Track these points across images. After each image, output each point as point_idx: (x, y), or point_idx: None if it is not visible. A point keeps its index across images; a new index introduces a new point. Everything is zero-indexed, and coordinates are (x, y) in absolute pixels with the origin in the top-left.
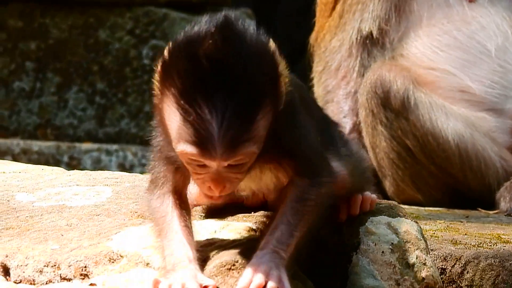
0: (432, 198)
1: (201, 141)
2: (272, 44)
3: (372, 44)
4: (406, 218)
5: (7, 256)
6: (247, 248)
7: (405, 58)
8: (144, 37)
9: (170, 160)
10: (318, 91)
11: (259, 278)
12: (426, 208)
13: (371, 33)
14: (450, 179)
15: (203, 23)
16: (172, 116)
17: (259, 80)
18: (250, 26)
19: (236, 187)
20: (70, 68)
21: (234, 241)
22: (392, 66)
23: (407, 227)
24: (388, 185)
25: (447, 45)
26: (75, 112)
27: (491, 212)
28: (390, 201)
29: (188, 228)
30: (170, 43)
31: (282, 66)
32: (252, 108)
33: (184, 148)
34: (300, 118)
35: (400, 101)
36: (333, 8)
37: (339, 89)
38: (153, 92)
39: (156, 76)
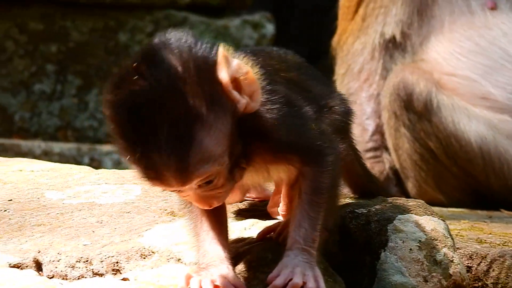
0: (454, 199)
1: (151, 176)
2: (217, 52)
3: (394, 48)
4: (433, 217)
5: (39, 252)
6: (277, 244)
7: (426, 63)
8: None
9: None
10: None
11: (298, 278)
12: (449, 209)
13: (393, 37)
14: (473, 180)
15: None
16: (126, 157)
17: (186, 103)
18: (183, 45)
19: (225, 198)
20: (90, 71)
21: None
22: (414, 68)
23: (434, 225)
24: (410, 186)
25: (468, 51)
26: (95, 114)
27: None
28: (417, 200)
29: (222, 225)
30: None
31: (237, 67)
32: (185, 133)
33: (145, 181)
34: (290, 108)
35: (423, 103)
36: (356, 11)
37: (361, 92)
38: None
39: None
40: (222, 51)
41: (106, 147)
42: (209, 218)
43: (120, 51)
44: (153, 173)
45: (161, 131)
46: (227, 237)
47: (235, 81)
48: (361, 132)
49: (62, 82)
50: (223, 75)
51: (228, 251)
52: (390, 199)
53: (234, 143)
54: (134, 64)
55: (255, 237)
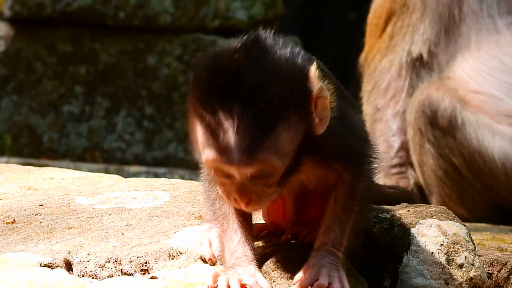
0: (477, 214)
1: (221, 147)
2: (311, 68)
3: (421, 66)
4: (455, 222)
5: (70, 253)
6: (302, 245)
7: (452, 81)
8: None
9: None
10: (367, 110)
11: (324, 279)
12: (472, 224)
13: (421, 56)
14: (496, 196)
15: (235, 40)
16: (197, 127)
17: (280, 95)
18: (286, 48)
19: (267, 204)
20: (118, 93)
21: (290, 238)
22: (440, 86)
23: (456, 229)
24: (434, 201)
25: (494, 69)
26: (123, 136)
27: None
28: (440, 206)
29: (248, 225)
30: (200, 58)
31: (320, 89)
32: (270, 119)
33: (208, 155)
34: (340, 117)
35: (447, 120)
36: (384, 29)
37: (388, 109)
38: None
39: (188, 91)
40: (315, 67)
41: (134, 168)
42: (236, 218)
43: (149, 73)
44: (225, 144)
45: (251, 107)
46: (253, 237)
47: (315, 102)
48: (387, 149)
49: (91, 103)
50: (313, 90)
51: (255, 251)
52: (413, 206)
53: (296, 152)
54: (243, 43)
55: (281, 238)
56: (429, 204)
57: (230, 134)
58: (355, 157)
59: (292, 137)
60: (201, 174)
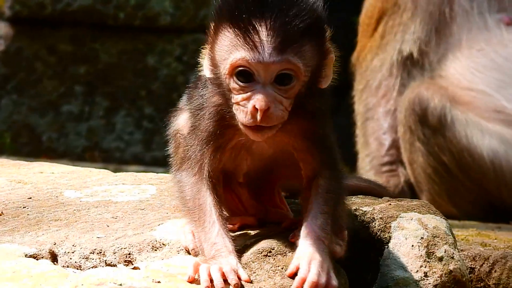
0: (467, 212)
1: (253, 46)
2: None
3: (412, 65)
4: (436, 215)
5: (55, 244)
6: (283, 236)
7: (443, 79)
8: (192, 63)
9: (214, 139)
10: (358, 109)
11: (314, 274)
12: (461, 221)
13: (411, 54)
14: (485, 194)
15: None
16: (224, 38)
17: (309, 15)
18: None
19: (278, 124)
20: (118, 93)
21: (270, 230)
22: (430, 84)
23: (436, 223)
24: (424, 199)
25: (484, 67)
26: (122, 136)
27: None
28: (421, 200)
29: (224, 219)
30: None
31: (331, 48)
32: (299, 28)
33: (235, 56)
34: (328, 117)
35: (437, 118)
36: (375, 29)
37: (379, 107)
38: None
39: (212, 21)
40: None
41: (132, 167)
42: (214, 210)
43: (148, 73)
44: (258, 42)
45: (285, 12)
46: (228, 230)
47: (327, 52)
48: (378, 147)
49: (90, 103)
50: (327, 37)
51: (233, 243)
52: (394, 199)
53: (307, 84)
54: None
55: (260, 231)
56: None
57: (263, 33)
58: (331, 157)
59: (312, 55)
60: (175, 168)
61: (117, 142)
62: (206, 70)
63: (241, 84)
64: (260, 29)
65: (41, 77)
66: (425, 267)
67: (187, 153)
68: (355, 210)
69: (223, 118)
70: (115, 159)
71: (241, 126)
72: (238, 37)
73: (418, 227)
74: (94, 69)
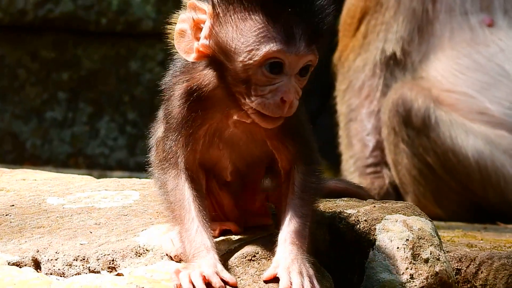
0: (453, 213)
1: (288, 36)
2: None
3: (395, 65)
4: (421, 217)
5: (38, 251)
6: (267, 240)
7: (425, 80)
8: None
9: (185, 125)
10: (341, 109)
11: (296, 279)
12: (447, 222)
13: (394, 54)
14: (470, 194)
15: None
16: (251, 26)
17: (331, 13)
18: None
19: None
20: (101, 98)
21: (254, 234)
22: (413, 85)
23: (421, 224)
24: (410, 201)
25: (466, 68)
26: (106, 142)
27: (509, 225)
28: (406, 202)
29: (203, 212)
30: None
31: None
32: (324, 18)
33: (271, 48)
34: (302, 107)
35: (421, 119)
36: (357, 28)
37: (362, 108)
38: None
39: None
40: None
41: (117, 173)
42: (193, 205)
43: (131, 78)
44: (291, 35)
45: (316, 10)
46: (209, 226)
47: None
48: (362, 148)
49: (74, 109)
50: None
51: (213, 239)
52: (379, 201)
53: None
54: None
55: (245, 235)
56: None
57: (299, 25)
58: (310, 150)
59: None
60: (156, 169)
61: (101, 148)
62: (186, 50)
63: (271, 75)
64: (295, 20)
65: (24, 84)
66: (411, 269)
67: (164, 149)
68: (340, 213)
69: (195, 100)
70: (99, 165)
71: (253, 115)
72: (273, 28)
73: (403, 229)
74: (77, 75)
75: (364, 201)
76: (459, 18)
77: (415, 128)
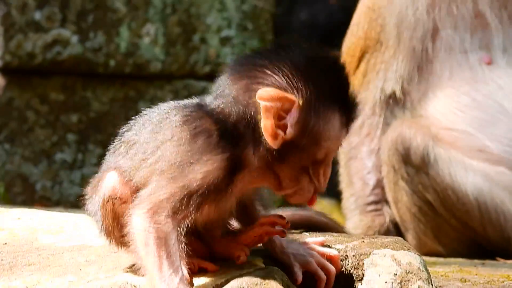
0: (453, 250)
1: (350, 124)
2: None
3: (394, 103)
4: (410, 251)
5: None
6: (253, 275)
7: (424, 118)
8: None
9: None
10: (342, 147)
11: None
12: (446, 259)
13: (394, 93)
14: (470, 232)
15: (303, 49)
16: (332, 121)
17: None
18: None
19: None
20: (111, 140)
21: (242, 269)
22: (412, 123)
23: (410, 259)
24: (410, 238)
25: (465, 106)
26: None
27: (509, 261)
28: (395, 237)
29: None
30: (291, 62)
31: None
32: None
33: (345, 134)
34: None
35: (420, 157)
36: (357, 67)
37: (362, 146)
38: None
39: (295, 97)
40: None
41: None
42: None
43: None
44: (347, 125)
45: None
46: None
47: None
48: (362, 186)
49: (83, 151)
50: None
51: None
52: (368, 236)
53: None
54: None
55: (231, 270)
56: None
57: (353, 116)
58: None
59: None
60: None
61: None
62: (273, 136)
63: (318, 165)
64: (354, 109)
65: (33, 126)
66: None
67: (157, 194)
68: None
69: (232, 173)
70: None
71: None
72: (345, 118)
73: (392, 263)
74: (86, 117)
75: (353, 236)
76: (458, 57)
77: (414, 165)
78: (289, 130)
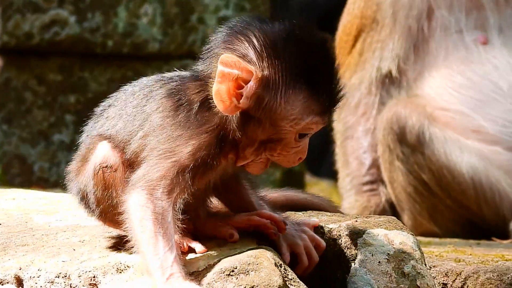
0: (448, 230)
1: (325, 110)
2: None
3: (390, 83)
4: (403, 231)
5: (20, 269)
6: (246, 255)
7: (420, 98)
8: None
9: (201, 163)
10: (337, 127)
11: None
12: (442, 239)
13: (390, 72)
14: (466, 211)
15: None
16: (297, 98)
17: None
18: None
19: None
20: None
21: (235, 249)
22: (407, 103)
23: (403, 238)
24: (406, 218)
25: (460, 86)
26: None
27: (504, 241)
28: (388, 217)
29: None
30: (267, 36)
31: None
32: (341, 97)
33: (311, 120)
34: None
35: (415, 136)
36: (353, 46)
37: (358, 126)
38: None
39: (258, 64)
40: None
41: None
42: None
43: None
44: (325, 106)
45: (338, 83)
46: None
47: None
48: (358, 166)
49: (81, 132)
50: None
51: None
52: (361, 216)
53: None
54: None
55: (223, 250)
56: (401, 221)
57: (332, 99)
58: None
59: None
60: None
61: None
62: (229, 103)
63: (299, 140)
64: (329, 94)
65: (31, 107)
66: (392, 283)
67: (152, 173)
68: (321, 227)
69: (219, 143)
70: None
71: (261, 164)
72: (314, 101)
73: (385, 243)
74: (84, 98)
75: (347, 216)
76: (454, 36)
77: (409, 145)
78: (244, 100)
